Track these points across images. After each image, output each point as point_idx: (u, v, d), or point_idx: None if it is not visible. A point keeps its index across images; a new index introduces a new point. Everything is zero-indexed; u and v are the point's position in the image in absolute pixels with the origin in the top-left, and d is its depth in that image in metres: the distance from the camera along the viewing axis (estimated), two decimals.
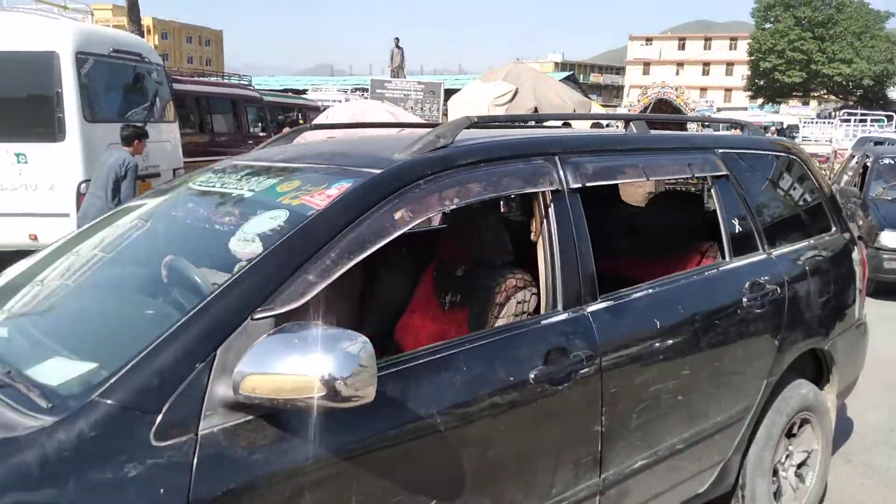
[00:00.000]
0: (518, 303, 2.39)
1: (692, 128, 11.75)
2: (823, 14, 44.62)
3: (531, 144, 2.32)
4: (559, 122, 4.80)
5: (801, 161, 3.28)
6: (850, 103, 43.72)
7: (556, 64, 79.85)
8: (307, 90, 34.77)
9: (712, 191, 2.73)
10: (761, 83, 48.41)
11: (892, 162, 9.02)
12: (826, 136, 27.35)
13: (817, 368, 3.24)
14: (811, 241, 3.13)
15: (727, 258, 2.70)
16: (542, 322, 2.10)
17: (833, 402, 3.25)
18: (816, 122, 33.20)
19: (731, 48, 73.77)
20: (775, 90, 48.13)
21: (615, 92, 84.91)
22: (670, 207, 3.69)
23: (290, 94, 31.91)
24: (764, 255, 2.80)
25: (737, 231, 2.72)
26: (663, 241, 3.27)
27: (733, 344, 2.58)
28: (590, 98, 23.40)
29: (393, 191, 1.87)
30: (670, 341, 2.33)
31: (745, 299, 2.61)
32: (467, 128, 2.42)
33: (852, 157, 10.66)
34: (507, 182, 2.12)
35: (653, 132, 2.80)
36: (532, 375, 1.95)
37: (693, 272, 2.63)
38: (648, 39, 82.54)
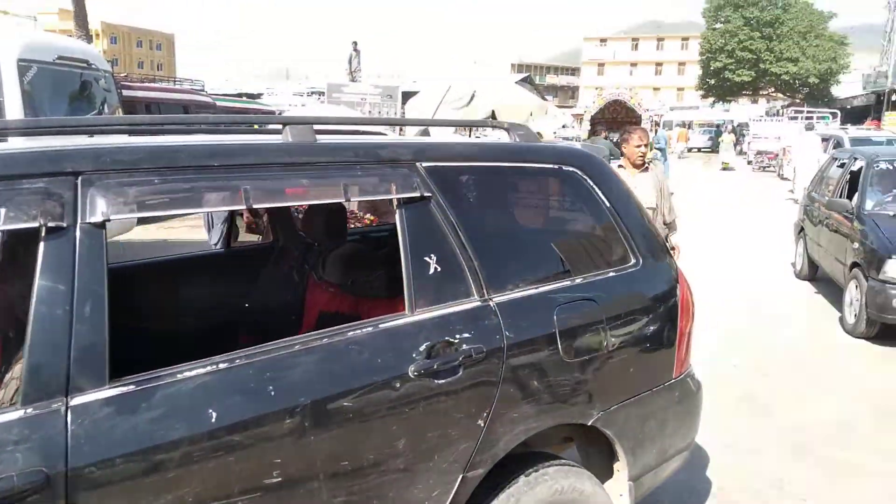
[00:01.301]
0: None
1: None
2: (771, 14, 45.96)
3: (44, 160, 1.61)
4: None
5: (583, 176, 2.49)
6: (797, 101, 45.08)
7: (513, 65, 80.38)
8: (262, 94, 34.40)
9: (396, 218, 2.03)
10: (712, 82, 49.61)
11: (891, 167, 6.97)
12: (775, 133, 28.19)
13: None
14: (580, 280, 2.36)
15: (407, 309, 1.99)
16: None
17: (627, 489, 2.51)
18: (765, 120, 34.12)
19: (682, 48, 75.32)
20: (726, 89, 49.36)
21: (571, 93, 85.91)
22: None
23: (244, 98, 31.57)
24: (476, 303, 2.08)
25: (431, 272, 2.02)
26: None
27: (383, 432, 1.87)
28: (546, 99, 23.62)
29: None
30: (238, 440, 1.64)
31: (412, 368, 1.89)
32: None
33: (833, 160, 8.57)
34: None
35: (333, 139, 2.19)
36: None
37: (320, 335, 1.86)
38: (602, 40, 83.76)
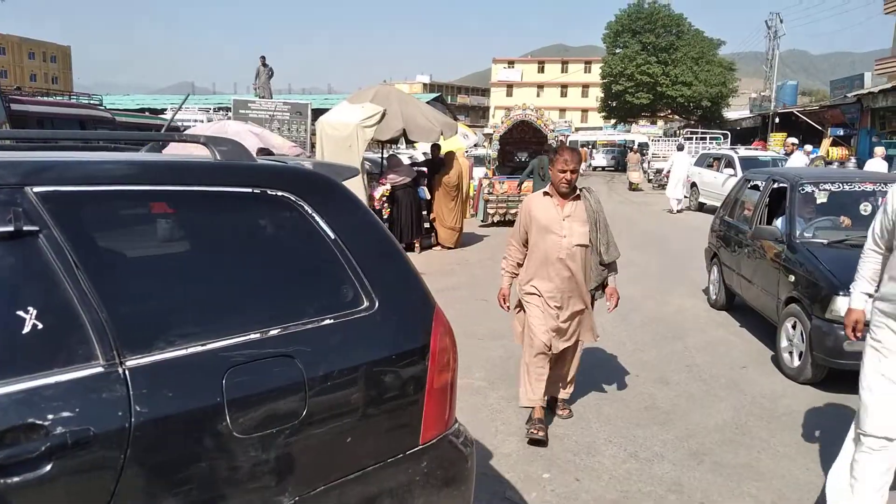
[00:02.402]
0: None
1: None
2: (666, 41, 48.57)
3: None
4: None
5: (297, 202, 2.06)
6: (692, 122, 47.79)
7: (425, 85, 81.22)
8: (166, 110, 33.24)
9: None
10: (614, 104, 51.83)
11: (815, 189, 6.15)
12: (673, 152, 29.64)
13: None
14: (275, 332, 1.88)
15: None
16: None
17: None
18: (663, 140, 36.03)
19: (585, 71, 78.27)
20: (626, 111, 51.66)
21: (481, 113, 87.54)
22: None
23: (147, 113, 30.42)
24: (96, 370, 1.61)
25: (25, 330, 1.55)
26: None
27: None
28: (457, 119, 23.99)
29: None
30: None
31: None
32: None
33: (746, 181, 7.74)
34: None
35: None
36: None
37: None
38: (511, 62, 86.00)
